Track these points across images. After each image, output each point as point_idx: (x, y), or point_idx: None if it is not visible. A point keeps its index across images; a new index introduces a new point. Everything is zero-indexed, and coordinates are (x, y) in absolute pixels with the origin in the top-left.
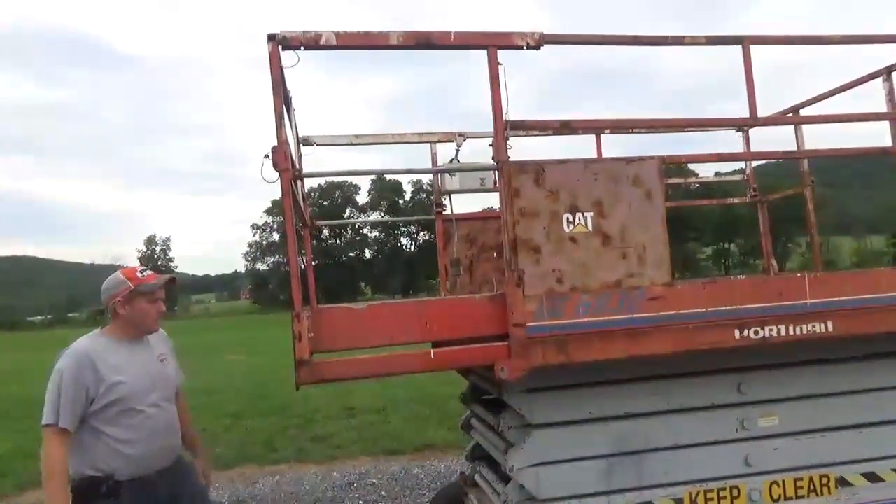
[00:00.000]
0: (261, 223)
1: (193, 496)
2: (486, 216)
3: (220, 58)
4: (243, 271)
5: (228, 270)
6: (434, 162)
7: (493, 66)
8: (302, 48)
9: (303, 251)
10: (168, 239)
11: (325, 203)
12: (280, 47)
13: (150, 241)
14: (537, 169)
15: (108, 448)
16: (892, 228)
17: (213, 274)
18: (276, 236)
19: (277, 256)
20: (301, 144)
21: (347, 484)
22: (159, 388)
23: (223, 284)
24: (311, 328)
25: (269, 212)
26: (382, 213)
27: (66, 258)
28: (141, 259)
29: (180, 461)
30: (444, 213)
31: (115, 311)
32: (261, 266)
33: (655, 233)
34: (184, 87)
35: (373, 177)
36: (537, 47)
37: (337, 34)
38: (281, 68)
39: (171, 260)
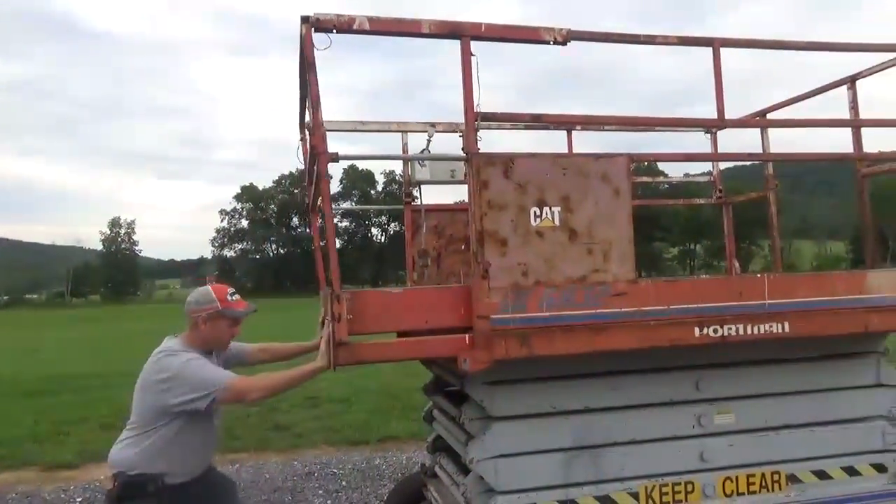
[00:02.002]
0: (229, 209)
1: (225, 490)
2: (455, 208)
3: (191, 39)
4: (209, 257)
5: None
6: (405, 151)
7: (466, 57)
8: (334, 31)
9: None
10: (133, 222)
11: (295, 191)
12: (313, 29)
13: (115, 223)
14: (506, 161)
15: (173, 452)
16: (851, 235)
17: (178, 259)
18: (244, 223)
19: (245, 243)
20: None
21: (308, 473)
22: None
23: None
24: (349, 310)
25: (238, 198)
26: (354, 203)
27: (26, 238)
28: (103, 241)
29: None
30: (413, 203)
31: (197, 324)
32: (228, 252)
33: (621, 229)
34: (154, 68)
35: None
36: (564, 43)
37: (370, 19)
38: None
39: (135, 243)
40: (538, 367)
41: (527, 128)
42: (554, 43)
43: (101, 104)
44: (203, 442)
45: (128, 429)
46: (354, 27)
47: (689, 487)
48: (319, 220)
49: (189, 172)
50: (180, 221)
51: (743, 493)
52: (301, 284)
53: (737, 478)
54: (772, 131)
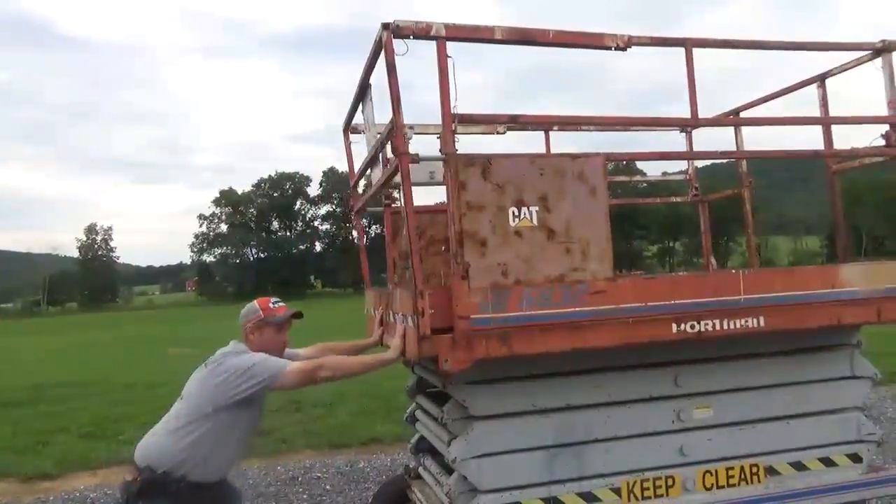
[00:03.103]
0: (208, 214)
1: (232, 498)
2: (434, 210)
3: (168, 42)
4: (189, 262)
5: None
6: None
7: (443, 59)
8: (412, 37)
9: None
10: (110, 228)
11: (275, 194)
12: (392, 35)
13: (91, 229)
14: (484, 162)
15: (211, 449)
16: (827, 230)
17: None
18: (223, 227)
19: (225, 248)
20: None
21: (291, 478)
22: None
23: (168, 276)
24: (431, 305)
25: (216, 202)
26: (334, 206)
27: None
28: (80, 248)
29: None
30: (393, 205)
31: (247, 335)
32: (207, 257)
33: (599, 228)
34: (130, 73)
35: (324, 169)
36: (625, 49)
37: (446, 26)
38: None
39: (112, 250)
40: (519, 366)
41: (507, 130)
42: (616, 49)
43: (78, 109)
44: (240, 442)
45: (168, 422)
46: (431, 34)
47: (670, 482)
48: (364, 221)
49: (167, 177)
50: (158, 227)
51: (723, 486)
52: (282, 288)
53: (716, 471)
54: (746, 129)
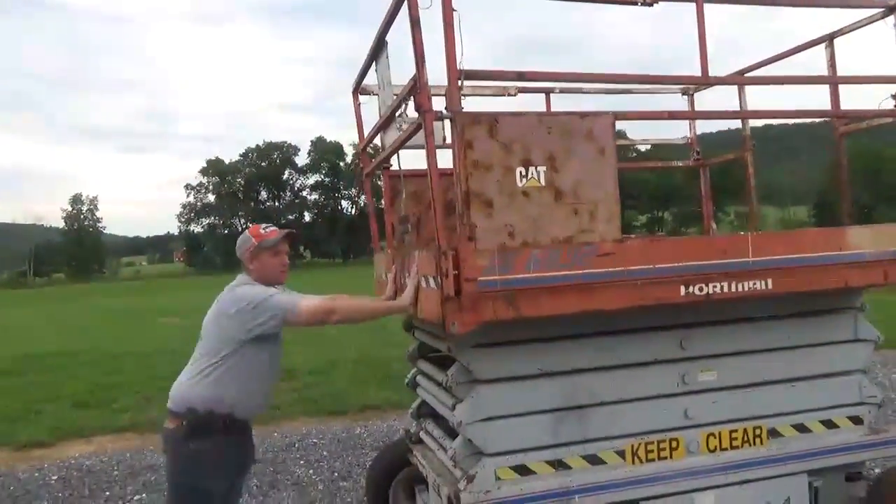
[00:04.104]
0: (195, 184)
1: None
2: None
3: (152, 7)
4: (176, 233)
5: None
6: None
7: (448, 12)
8: None
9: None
10: (95, 198)
11: (263, 164)
12: None
13: (76, 199)
14: (491, 120)
15: (242, 382)
16: (813, 199)
17: (143, 235)
18: (211, 198)
19: (213, 218)
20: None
21: (289, 445)
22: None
23: (155, 246)
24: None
25: (203, 172)
26: (322, 176)
27: None
28: (65, 218)
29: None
30: (390, 168)
31: (247, 266)
32: (195, 228)
33: (607, 189)
34: (114, 40)
35: (312, 138)
36: (651, 4)
37: None
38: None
39: (98, 220)
40: (525, 329)
41: (518, 92)
42: (642, 4)
43: (59, 77)
44: (270, 371)
45: (193, 364)
46: None
47: (674, 444)
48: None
49: (152, 147)
50: (145, 197)
51: (726, 448)
52: None
53: (720, 433)
54: (749, 95)
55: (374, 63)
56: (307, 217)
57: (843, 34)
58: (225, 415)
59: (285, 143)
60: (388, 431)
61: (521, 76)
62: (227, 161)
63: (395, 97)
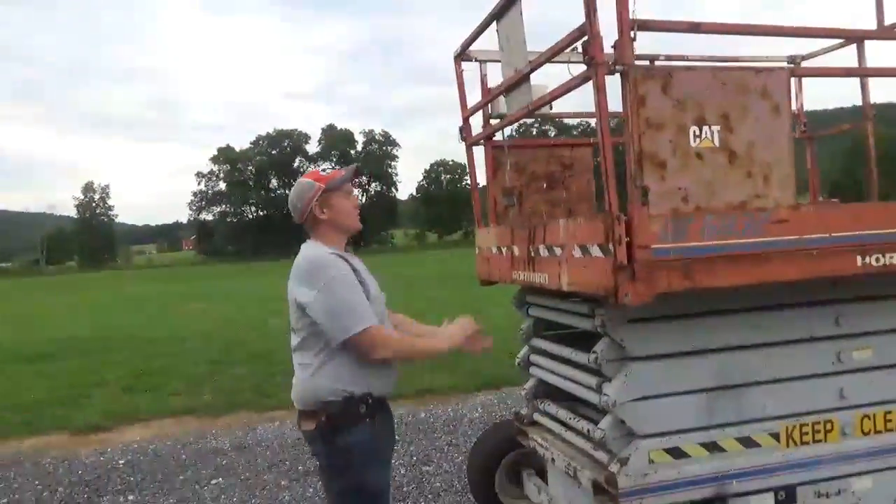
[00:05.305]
0: (206, 172)
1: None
2: (536, 144)
3: None
4: (185, 221)
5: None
6: (484, 84)
7: None
8: None
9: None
10: (107, 187)
11: (273, 152)
12: None
13: (88, 188)
14: (665, 76)
15: (359, 364)
16: (827, 188)
17: (154, 224)
18: (222, 185)
19: (224, 206)
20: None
21: None
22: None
23: (164, 234)
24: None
25: (214, 160)
26: (333, 164)
27: None
28: (78, 207)
29: None
30: (493, 139)
31: (316, 217)
32: (206, 216)
33: (782, 151)
34: (125, 29)
35: (322, 126)
36: None
37: None
38: None
39: (110, 208)
40: (676, 304)
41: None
42: None
43: (72, 66)
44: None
45: (302, 357)
46: None
47: (829, 426)
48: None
49: (163, 136)
50: (156, 186)
51: (881, 431)
52: (283, 246)
53: (874, 415)
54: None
55: (495, 22)
56: None
57: None
58: (364, 395)
59: (296, 130)
60: (454, 415)
61: (696, 27)
62: (237, 149)
63: (526, 59)
